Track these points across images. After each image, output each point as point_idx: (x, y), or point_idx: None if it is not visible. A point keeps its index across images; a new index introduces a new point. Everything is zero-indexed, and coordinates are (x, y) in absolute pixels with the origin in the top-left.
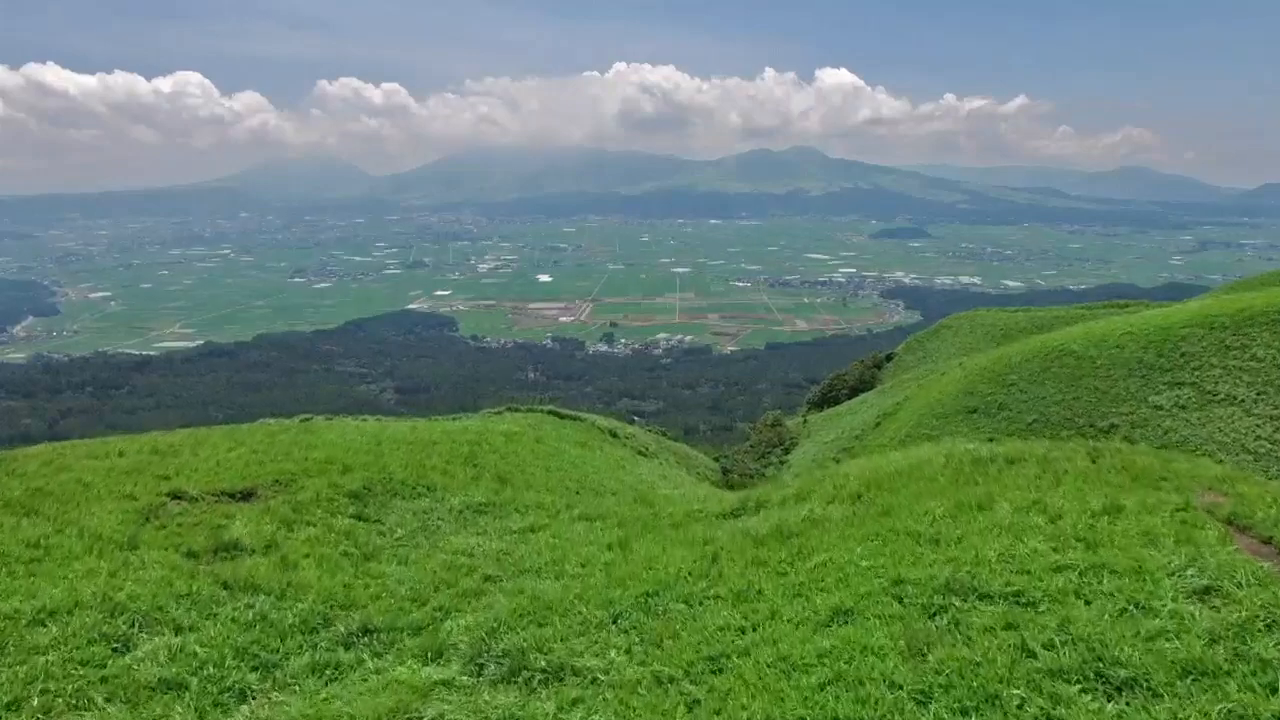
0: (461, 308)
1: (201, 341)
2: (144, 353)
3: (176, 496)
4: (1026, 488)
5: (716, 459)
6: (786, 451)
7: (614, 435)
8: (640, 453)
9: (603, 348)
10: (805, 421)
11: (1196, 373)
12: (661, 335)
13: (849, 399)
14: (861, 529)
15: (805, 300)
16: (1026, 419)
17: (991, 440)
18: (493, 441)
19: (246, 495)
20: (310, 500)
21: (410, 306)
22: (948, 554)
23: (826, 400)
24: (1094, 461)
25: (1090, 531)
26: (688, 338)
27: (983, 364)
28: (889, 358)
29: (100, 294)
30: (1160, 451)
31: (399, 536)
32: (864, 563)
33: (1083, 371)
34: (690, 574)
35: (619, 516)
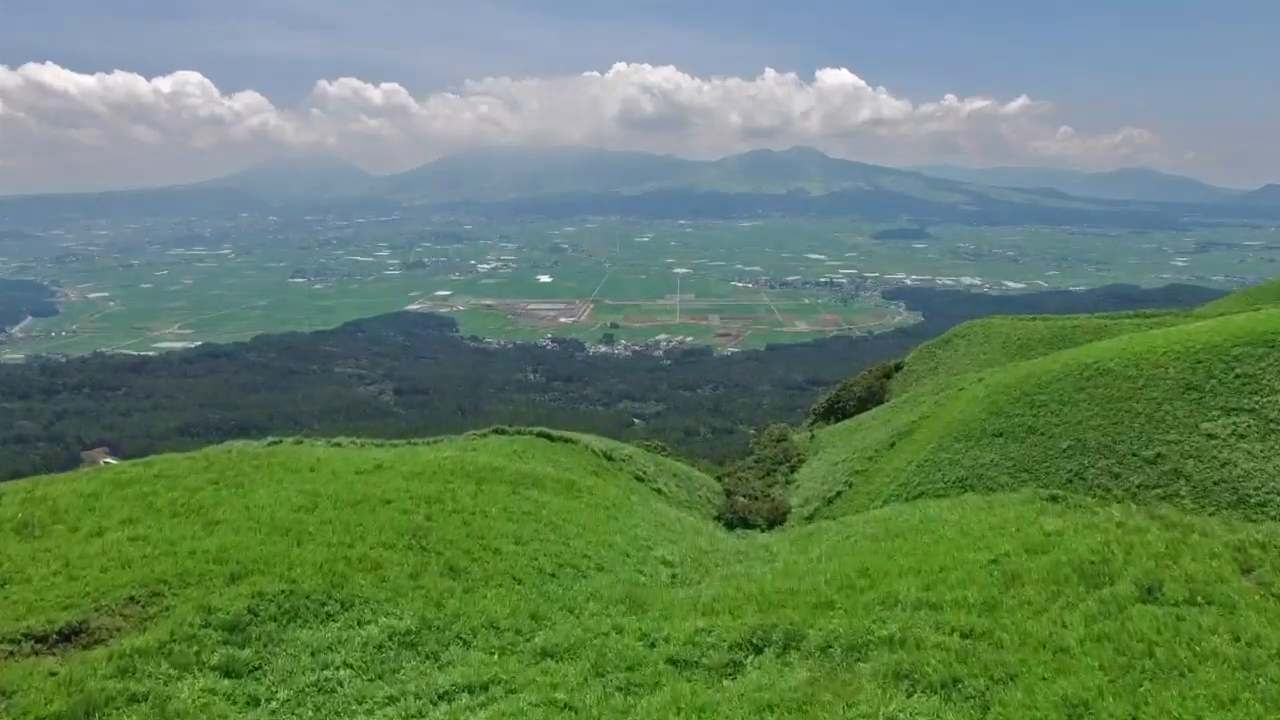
0: (461, 308)
1: (200, 342)
2: (142, 353)
3: None
4: None
5: (719, 478)
6: (793, 469)
7: (609, 459)
8: (638, 477)
9: (603, 349)
10: (813, 436)
11: (1255, 398)
12: (662, 336)
13: (857, 411)
14: None
15: (806, 301)
16: (1060, 445)
17: (1055, 499)
18: (459, 496)
19: (69, 634)
20: (160, 643)
21: (410, 307)
22: None
23: (833, 411)
24: (1249, 572)
25: None
26: (688, 339)
27: (1007, 381)
28: (898, 367)
29: (99, 294)
30: None
31: (273, 709)
32: None
33: (1122, 393)
34: None
35: (598, 650)
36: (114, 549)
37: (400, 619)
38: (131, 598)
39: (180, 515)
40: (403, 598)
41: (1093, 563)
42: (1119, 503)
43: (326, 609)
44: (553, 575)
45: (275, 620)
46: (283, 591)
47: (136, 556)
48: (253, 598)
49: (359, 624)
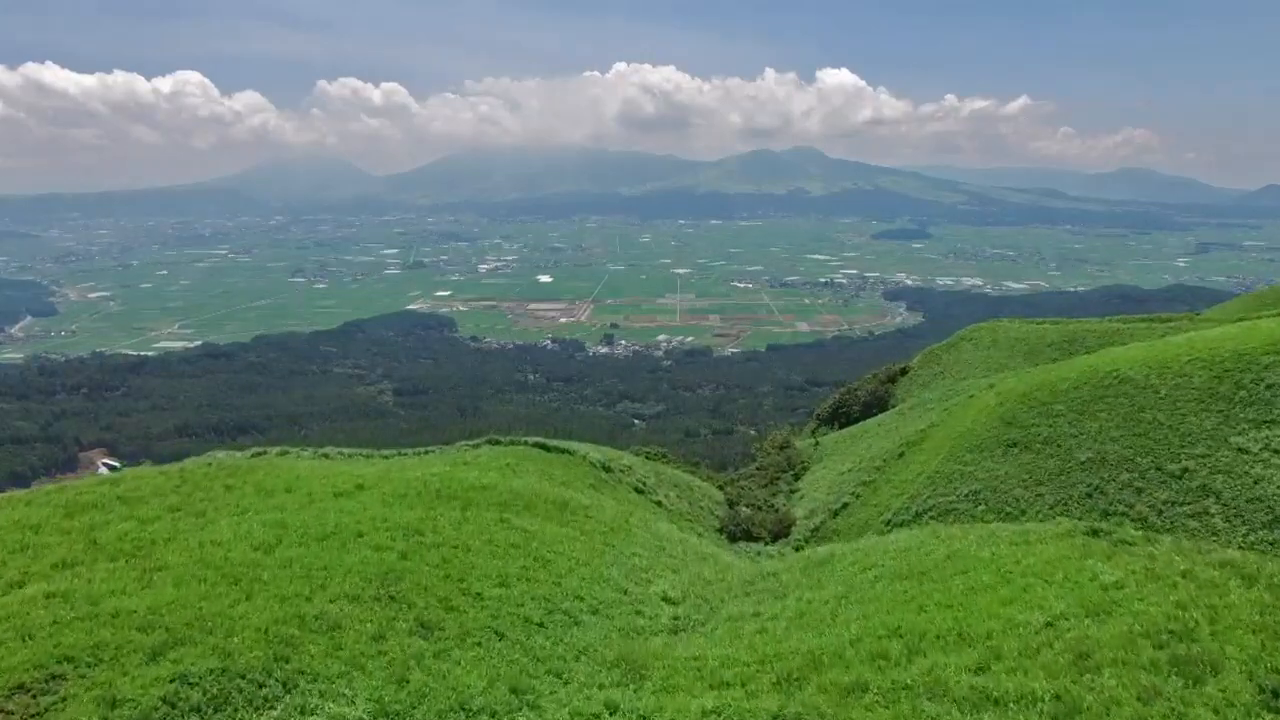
0: (461, 308)
1: (200, 342)
2: (141, 353)
3: None
4: None
5: (720, 486)
6: (797, 477)
7: (607, 470)
8: (637, 489)
9: (603, 349)
10: (816, 442)
11: None
12: (662, 337)
13: (862, 416)
14: None
15: (806, 301)
16: (1079, 457)
17: (1096, 534)
18: (440, 525)
19: None
20: None
21: (410, 307)
22: None
23: (837, 416)
24: None
25: None
26: (688, 339)
27: (1021, 388)
28: (904, 371)
29: (99, 294)
30: None
31: None
32: None
33: (1144, 403)
34: None
35: None
36: (22, 611)
37: (353, 704)
38: (21, 685)
39: (122, 557)
40: (360, 670)
41: (1173, 632)
42: (1153, 530)
43: (264, 692)
44: (540, 625)
45: (198, 712)
46: (212, 671)
47: (46, 622)
48: (173, 680)
49: (301, 713)
